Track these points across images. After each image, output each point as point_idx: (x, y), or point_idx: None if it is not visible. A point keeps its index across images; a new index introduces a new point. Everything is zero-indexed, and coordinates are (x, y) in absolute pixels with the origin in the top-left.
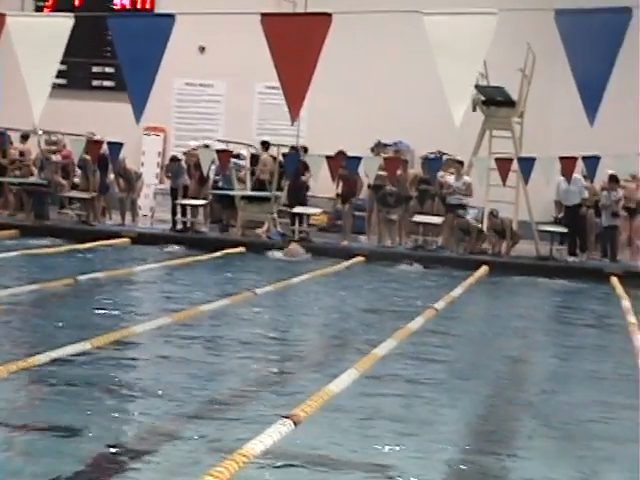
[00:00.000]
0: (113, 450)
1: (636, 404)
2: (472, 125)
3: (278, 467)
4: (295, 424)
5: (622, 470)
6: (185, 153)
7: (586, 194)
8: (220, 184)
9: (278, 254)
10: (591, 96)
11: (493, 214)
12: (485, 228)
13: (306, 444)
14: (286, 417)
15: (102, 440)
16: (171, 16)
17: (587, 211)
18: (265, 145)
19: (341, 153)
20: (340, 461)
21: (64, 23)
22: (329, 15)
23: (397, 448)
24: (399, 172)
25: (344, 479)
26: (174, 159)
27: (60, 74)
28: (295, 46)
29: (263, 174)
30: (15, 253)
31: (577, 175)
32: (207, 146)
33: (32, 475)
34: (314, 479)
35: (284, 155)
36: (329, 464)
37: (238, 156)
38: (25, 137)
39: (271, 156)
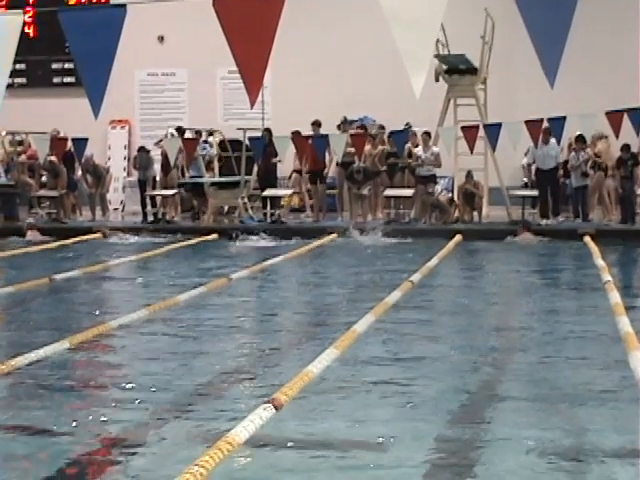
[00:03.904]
0: (97, 446)
1: (618, 362)
2: (436, 95)
3: (266, 452)
4: (276, 408)
5: (607, 428)
6: (157, 143)
7: (561, 158)
8: (190, 172)
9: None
10: (550, 58)
11: (470, 174)
12: (456, 192)
13: (291, 427)
14: (267, 402)
15: (86, 437)
16: (123, 6)
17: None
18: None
19: (316, 124)
20: (326, 442)
21: (14, 20)
22: None
23: (381, 424)
24: (368, 147)
25: (331, 460)
26: (142, 149)
27: (20, 73)
28: (249, 28)
29: None
30: None
31: (553, 139)
32: (172, 134)
33: (14, 470)
34: (300, 461)
35: (251, 139)
36: (314, 445)
37: (206, 142)
38: None
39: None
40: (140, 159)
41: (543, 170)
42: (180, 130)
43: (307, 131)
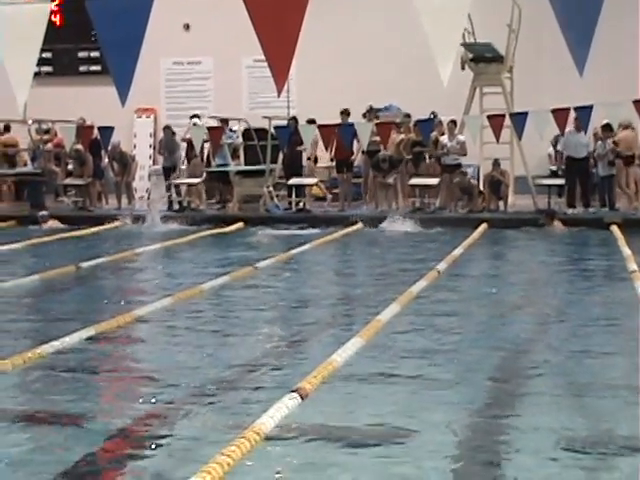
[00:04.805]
0: (123, 435)
1: None
2: (462, 83)
3: (289, 441)
4: (302, 398)
5: (633, 421)
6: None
7: (592, 147)
8: (216, 161)
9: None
10: (579, 46)
11: (497, 163)
12: (482, 179)
13: (316, 416)
14: (293, 391)
15: (111, 425)
16: None
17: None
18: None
19: (345, 113)
20: (350, 430)
21: (41, 9)
22: None
23: (406, 412)
24: (394, 136)
25: (355, 449)
26: (167, 128)
27: (46, 61)
28: (277, 15)
29: None
30: (16, 243)
31: None
32: (194, 124)
33: (43, 464)
34: (324, 451)
35: (276, 127)
36: (339, 435)
37: (231, 130)
38: (7, 128)
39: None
40: (166, 139)
41: (574, 158)
42: (197, 118)
43: (333, 120)
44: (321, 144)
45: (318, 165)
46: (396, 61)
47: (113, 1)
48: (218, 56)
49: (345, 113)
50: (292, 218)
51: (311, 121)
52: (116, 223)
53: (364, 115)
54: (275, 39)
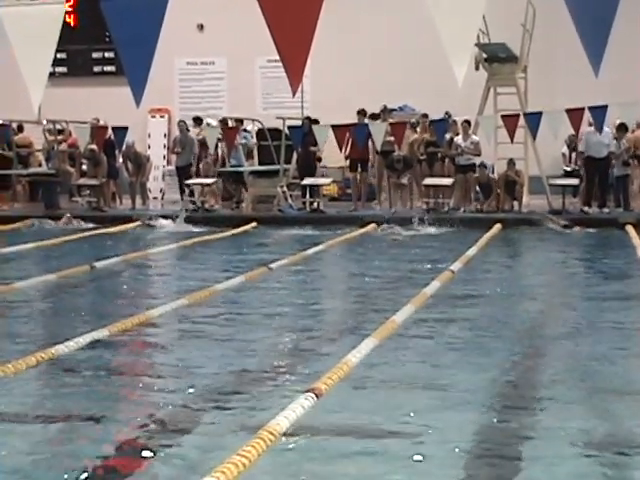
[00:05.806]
0: (136, 436)
1: None
2: (476, 84)
3: (303, 441)
4: (317, 397)
5: None
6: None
7: (613, 147)
8: (231, 161)
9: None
10: (595, 46)
11: (513, 162)
12: (497, 179)
13: (332, 416)
14: (308, 391)
15: (123, 428)
16: None
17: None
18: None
19: (361, 113)
20: (365, 431)
21: (56, 10)
22: None
23: (421, 414)
24: (407, 133)
25: (370, 450)
26: (182, 122)
27: (60, 62)
28: (291, 15)
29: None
30: (30, 243)
31: (607, 128)
32: (209, 124)
33: (54, 466)
34: (339, 450)
35: (290, 128)
36: (355, 435)
37: (245, 130)
38: (20, 128)
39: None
40: (181, 133)
41: (595, 158)
42: (199, 120)
43: (346, 120)
44: (330, 143)
45: (330, 165)
46: (410, 61)
47: (127, 2)
48: (232, 56)
49: (362, 113)
50: (306, 218)
51: (315, 121)
52: (135, 223)
53: (377, 116)
54: (290, 39)
